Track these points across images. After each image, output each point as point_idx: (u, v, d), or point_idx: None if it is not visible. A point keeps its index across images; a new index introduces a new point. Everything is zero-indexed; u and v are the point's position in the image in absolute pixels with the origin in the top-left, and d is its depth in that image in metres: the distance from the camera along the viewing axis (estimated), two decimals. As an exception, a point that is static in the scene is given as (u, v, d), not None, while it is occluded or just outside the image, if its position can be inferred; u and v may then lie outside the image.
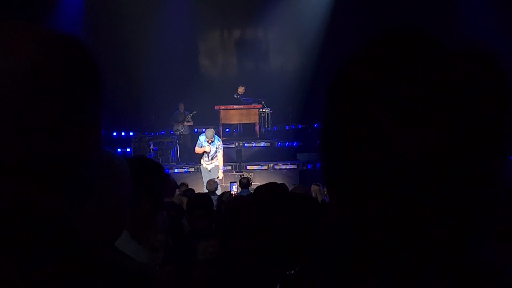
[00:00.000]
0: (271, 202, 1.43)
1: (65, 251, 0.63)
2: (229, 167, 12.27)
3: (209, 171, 10.89)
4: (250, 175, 8.78)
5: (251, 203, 1.45)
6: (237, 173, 11.61)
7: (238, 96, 13.48)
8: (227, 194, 7.38)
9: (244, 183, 8.32)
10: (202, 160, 11.04)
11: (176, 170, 12.22)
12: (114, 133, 13.58)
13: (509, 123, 0.58)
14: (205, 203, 3.68)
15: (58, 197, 0.66)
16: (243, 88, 13.55)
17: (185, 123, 13.40)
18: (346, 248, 0.64)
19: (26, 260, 0.61)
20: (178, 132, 13.27)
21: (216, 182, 8.97)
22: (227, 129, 13.89)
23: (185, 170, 12.27)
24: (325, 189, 5.90)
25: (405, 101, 0.56)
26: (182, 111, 13.51)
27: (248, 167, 12.20)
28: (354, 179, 0.59)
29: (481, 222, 0.60)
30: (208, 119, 13.63)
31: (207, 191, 8.09)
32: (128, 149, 12.96)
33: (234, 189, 8.58)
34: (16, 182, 0.63)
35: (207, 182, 8.90)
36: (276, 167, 12.30)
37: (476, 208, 0.58)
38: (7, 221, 0.62)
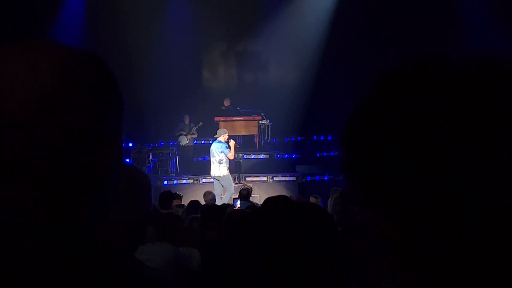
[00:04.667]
0: (277, 216, 1.43)
1: (89, 259, 0.65)
2: (228, 179, 12.28)
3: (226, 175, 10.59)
4: (250, 186, 8.75)
5: (256, 217, 1.45)
6: (236, 185, 11.60)
7: (224, 108, 13.61)
8: (231, 208, 7.35)
9: (244, 195, 8.28)
10: (220, 167, 10.60)
11: (175, 182, 12.22)
12: (114, 144, 13.55)
13: None
14: (219, 215, 3.71)
15: (82, 207, 0.68)
16: (229, 100, 13.68)
17: (190, 136, 13.41)
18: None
19: (52, 266, 0.63)
20: (184, 144, 13.25)
21: (212, 192, 8.89)
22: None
23: (184, 181, 12.27)
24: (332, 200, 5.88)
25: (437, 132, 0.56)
26: (187, 122, 13.54)
27: (247, 178, 12.18)
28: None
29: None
30: (208, 131, 13.66)
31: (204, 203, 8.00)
32: (128, 160, 12.96)
33: (238, 204, 8.49)
34: (41, 193, 0.65)
35: (203, 194, 8.81)
36: (275, 179, 12.29)
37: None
38: (34, 229, 0.64)
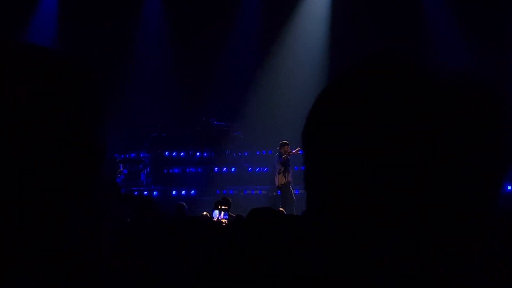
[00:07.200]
0: (264, 228, 1.41)
1: (78, 260, 0.68)
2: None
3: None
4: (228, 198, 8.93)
5: (242, 228, 1.42)
6: (206, 198, 11.55)
7: (204, 119, 13.67)
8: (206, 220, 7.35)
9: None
10: (279, 177, 10.87)
11: (145, 193, 12.12)
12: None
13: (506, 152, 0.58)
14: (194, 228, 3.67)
15: (70, 211, 0.69)
16: (205, 112, 13.81)
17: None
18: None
19: (43, 267, 0.64)
20: (156, 154, 13.19)
21: (183, 205, 8.81)
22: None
23: (154, 193, 12.17)
24: None
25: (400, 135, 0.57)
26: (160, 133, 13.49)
27: (218, 191, 12.15)
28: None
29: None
30: (181, 142, 13.61)
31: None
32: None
33: (217, 216, 8.42)
34: (31, 196, 0.65)
35: (176, 206, 8.70)
36: (246, 192, 12.27)
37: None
38: (24, 231, 0.65)
